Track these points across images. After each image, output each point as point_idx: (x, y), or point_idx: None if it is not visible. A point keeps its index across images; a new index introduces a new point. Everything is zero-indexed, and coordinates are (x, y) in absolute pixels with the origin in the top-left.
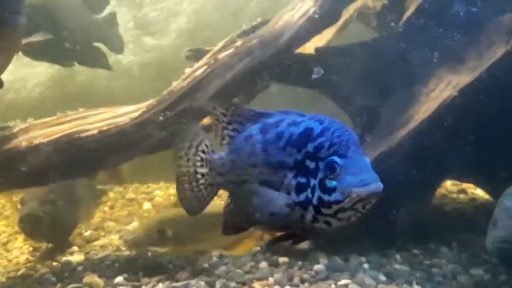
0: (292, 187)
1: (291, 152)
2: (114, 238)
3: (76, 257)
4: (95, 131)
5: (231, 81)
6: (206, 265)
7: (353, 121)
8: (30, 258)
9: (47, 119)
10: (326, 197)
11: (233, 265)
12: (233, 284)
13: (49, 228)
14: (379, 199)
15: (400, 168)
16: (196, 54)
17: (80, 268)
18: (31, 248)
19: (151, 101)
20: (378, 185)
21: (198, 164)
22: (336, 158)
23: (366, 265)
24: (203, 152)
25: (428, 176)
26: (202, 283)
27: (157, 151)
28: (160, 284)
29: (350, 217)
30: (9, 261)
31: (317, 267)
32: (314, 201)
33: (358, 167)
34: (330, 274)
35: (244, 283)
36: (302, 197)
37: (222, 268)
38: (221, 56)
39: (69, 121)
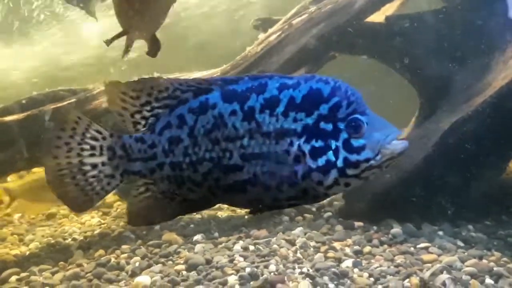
0: (304, 154)
1: (296, 118)
2: None
3: None
4: None
5: (305, 47)
6: (280, 227)
7: (420, 90)
8: (102, 221)
9: None
10: (354, 157)
11: (308, 227)
12: (312, 243)
13: None
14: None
15: (476, 135)
16: (264, 23)
17: (156, 227)
18: (100, 213)
19: (225, 66)
20: (407, 142)
21: (86, 153)
22: (359, 116)
23: (440, 232)
24: (94, 139)
25: (503, 145)
26: (283, 241)
27: None
28: (241, 241)
29: (373, 175)
30: (82, 223)
31: (394, 231)
32: (339, 163)
33: (380, 124)
34: (407, 238)
35: (324, 243)
36: (322, 161)
37: (298, 229)
38: (295, 21)
39: None
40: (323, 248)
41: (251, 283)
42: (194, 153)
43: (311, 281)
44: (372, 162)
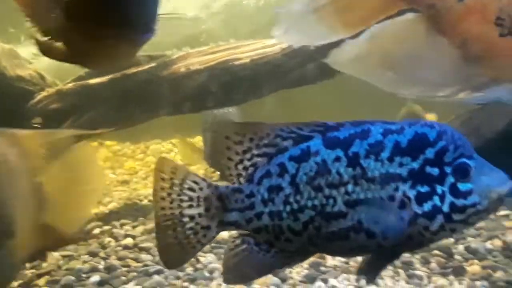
0: (410, 199)
1: (402, 162)
2: None
3: None
4: (247, 60)
5: None
6: None
7: None
8: None
9: (202, 48)
10: (460, 202)
11: None
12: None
13: None
14: None
15: None
16: None
17: None
18: None
19: None
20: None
21: (185, 204)
22: (467, 160)
23: None
24: (191, 189)
25: None
26: None
27: (305, 83)
28: None
29: (479, 220)
30: None
31: None
32: (445, 208)
33: (487, 168)
34: None
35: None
36: (427, 206)
37: None
38: None
39: (222, 51)
40: None
41: None
42: (296, 201)
43: None
44: (479, 207)
